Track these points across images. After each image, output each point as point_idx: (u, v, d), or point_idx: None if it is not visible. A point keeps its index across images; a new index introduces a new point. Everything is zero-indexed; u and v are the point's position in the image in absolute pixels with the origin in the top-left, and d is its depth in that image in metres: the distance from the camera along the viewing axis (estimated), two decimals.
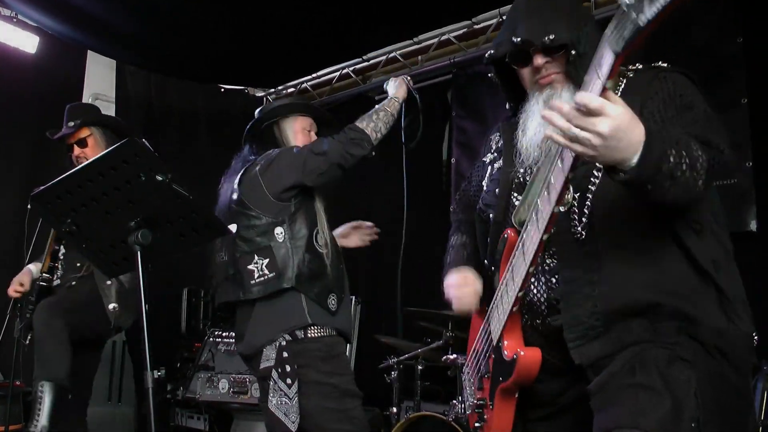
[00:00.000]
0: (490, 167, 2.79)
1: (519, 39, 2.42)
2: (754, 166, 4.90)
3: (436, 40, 7.16)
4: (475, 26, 6.87)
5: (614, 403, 2.17)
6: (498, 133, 2.84)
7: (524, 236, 2.32)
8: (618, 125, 1.86)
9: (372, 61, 7.78)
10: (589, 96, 1.85)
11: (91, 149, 4.88)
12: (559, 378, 2.42)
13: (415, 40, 7.28)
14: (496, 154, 2.79)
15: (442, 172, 7.19)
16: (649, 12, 1.68)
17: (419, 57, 7.47)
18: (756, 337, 2.30)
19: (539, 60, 2.46)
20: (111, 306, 4.73)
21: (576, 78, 2.38)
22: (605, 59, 1.83)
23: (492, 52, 2.57)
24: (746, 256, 2.49)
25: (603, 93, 1.86)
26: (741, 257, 2.38)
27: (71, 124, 4.90)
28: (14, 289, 4.79)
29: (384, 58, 7.63)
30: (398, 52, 7.49)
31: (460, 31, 7.01)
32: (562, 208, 2.21)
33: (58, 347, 4.52)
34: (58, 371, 4.50)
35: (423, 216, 7.02)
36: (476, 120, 6.75)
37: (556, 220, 2.18)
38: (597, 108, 1.84)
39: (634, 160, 1.91)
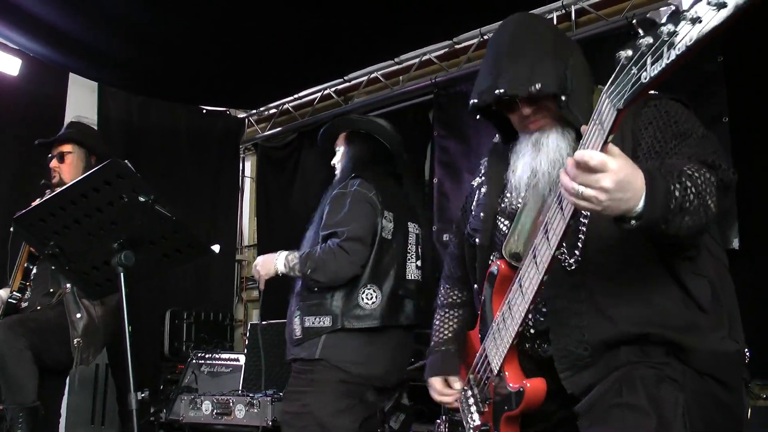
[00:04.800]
0: (477, 191, 2.79)
1: (503, 91, 2.36)
2: (735, 184, 4.86)
3: (417, 60, 7.19)
4: (456, 46, 6.91)
5: (601, 424, 2.18)
6: (486, 158, 2.84)
7: (522, 275, 2.30)
8: (621, 178, 1.83)
9: (353, 82, 7.80)
10: (589, 153, 1.82)
11: (67, 167, 4.88)
12: (552, 399, 2.42)
13: (396, 60, 7.31)
14: (483, 178, 2.79)
15: (424, 192, 7.19)
16: (653, 70, 1.66)
17: (400, 77, 7.48)
18: (747, 352, 2.30)
19: (526, 110, 2.43)
20: (75, 341, 4.61)
21: (566, 119, 2.38)
22: (607, 115, 1.80)
23: (476, 101, 2.49)
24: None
25: (604, 147, 1.83)
26: None
27: (61, 133, 4.93)
28: None
29: (365, 78, 7.65)
30: (379, 72, 7.52)
31: (441, 51, 7.04)
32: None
33: (22, 368, 4.44)
34: (26, 395, 4.42)
35: None
36: (458, 139, 6.73)
37: (556, 261, 2.18)
38: (598, 165, 1.81)
39: (640, 206, 1.89)
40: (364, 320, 3.83)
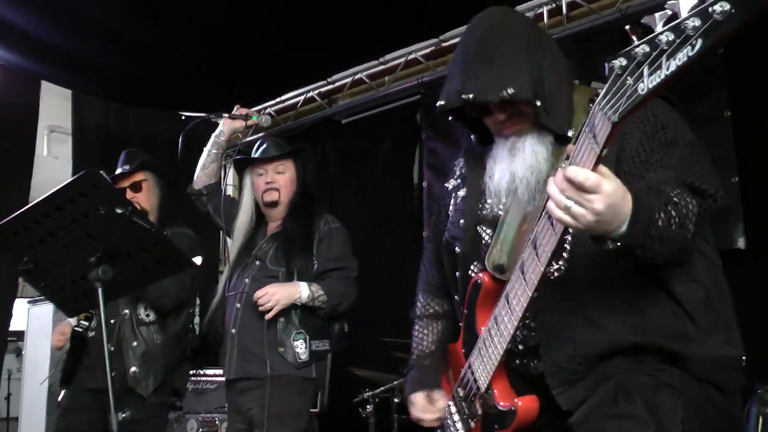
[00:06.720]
0: (453, 195, 2.72)
1: (471, 96, 2.27)
2: (739, 181, 4.86)
3: (402, 59, 7.08)
4: (443, 44, 6.79)
5: None
6: (462, 159, 2.77)
7: (509, 291, 2.22)
8: (613, 202, 1.81)
9: (337, 84, 7.71)
10: (585, 173, 1.78)
11: (145, 194, 4.75)
12: (542, 415, 2.35)
13: (381, 60, 7.21)
14: (459, 181, 2.72)
15: (413, 195, 7.07)
16: (651, 81, 1.61)
17: (386, 78, 7.39)
18: (744, 358, 2.27)
19: (500, 116, 2.35)
20: (132, 370, 4.31)
21: (543, 123, 2.30)
22: (601, 129, 1.74)
23: (442, 103, 2.41)
24: (734, 274, 2.44)
25: (597, 161, 1.77)
26: (729, 275, 2.35)
27: (126, 166, 4.75)
28: (57, 339, 4.57)
29: (350, 80, 7.56)
30: (364, 73, 7.42)
31: (428, 50, 6.94)
32: None
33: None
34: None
35: (396, 241, 6.93)
36: (447, 141, 6.61)
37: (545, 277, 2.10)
38: (593, 186, 1.78)
39: (622, 229, 1.88)
40: (340, 344, 4.40)
